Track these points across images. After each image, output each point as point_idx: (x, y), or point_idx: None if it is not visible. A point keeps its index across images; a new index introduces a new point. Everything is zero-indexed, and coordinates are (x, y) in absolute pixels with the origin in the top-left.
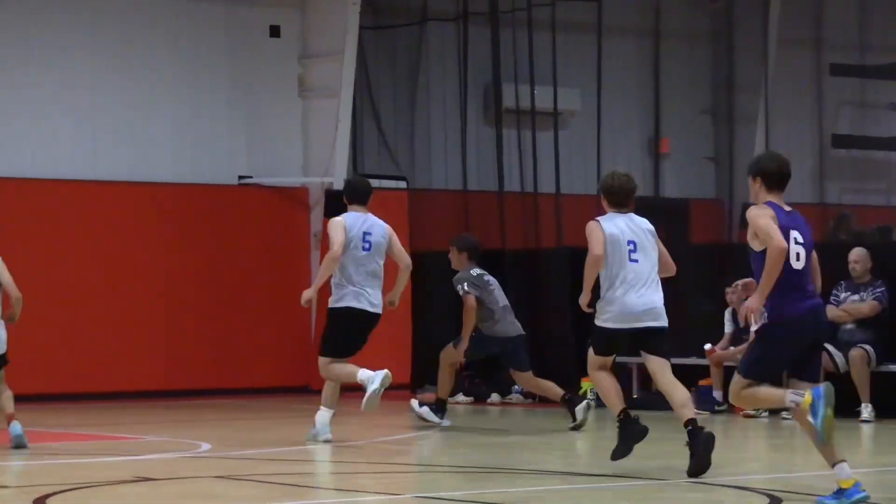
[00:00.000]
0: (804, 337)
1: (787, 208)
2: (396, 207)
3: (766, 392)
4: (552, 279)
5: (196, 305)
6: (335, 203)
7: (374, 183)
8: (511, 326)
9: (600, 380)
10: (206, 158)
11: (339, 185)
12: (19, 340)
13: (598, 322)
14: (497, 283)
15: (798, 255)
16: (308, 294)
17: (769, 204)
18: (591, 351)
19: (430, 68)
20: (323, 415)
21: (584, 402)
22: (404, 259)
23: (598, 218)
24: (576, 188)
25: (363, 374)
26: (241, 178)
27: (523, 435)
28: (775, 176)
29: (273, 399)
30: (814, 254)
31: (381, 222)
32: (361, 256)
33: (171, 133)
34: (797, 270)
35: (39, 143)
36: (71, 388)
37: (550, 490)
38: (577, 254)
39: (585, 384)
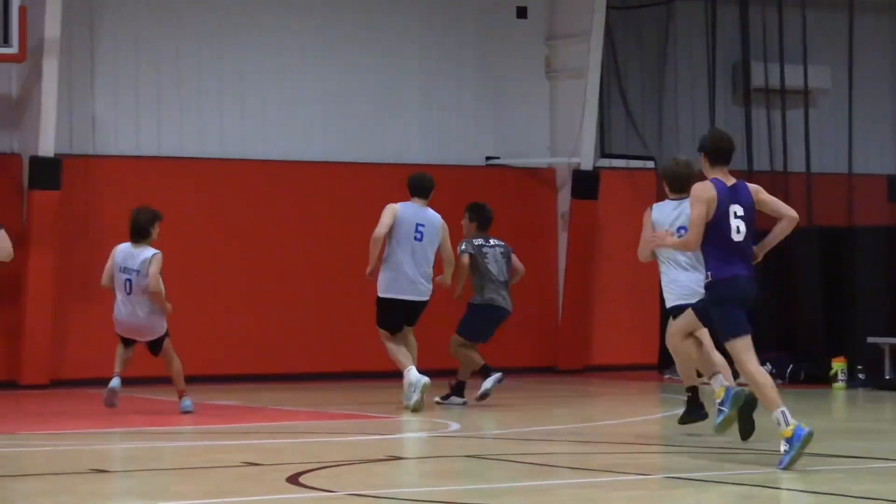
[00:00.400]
0: (750, 294)
1: (731, 181)
2: (645, 187)
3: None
4: (803, 259)
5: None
6: (583, 183)
7: (621, 163)
8: (501, 299)
9: (688, 348)
10: (454, 140)
11: (586, 165)
12: (282, 320)
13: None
14: (497, 256)
15: (738, 227)
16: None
17: (713, 180)
18: (678, 321)
19: (677, 48)
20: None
21: (497, 375)
22: (448, 254)
23: (653, 204)
24: (826, 167)
25: (412, 374)
26: (488, 158)
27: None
28: (717, 152)
29: (519, 379)
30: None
31: (436, 217)
32: (414, 245)
33: (418, 115)
34: (737, 242)
35: (291, 127)
36: (320, 367)
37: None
38: (829, 233)
39: (836, 364)
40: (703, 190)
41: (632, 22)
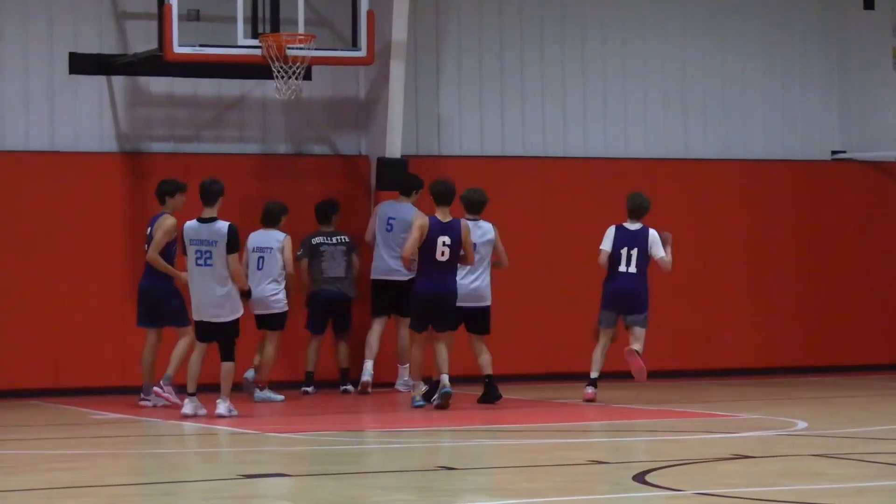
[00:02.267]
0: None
1: (446, 220)
2: None
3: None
4: None
5: (789, 283)
6: None
7: None
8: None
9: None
10: (799, 134)
11: None
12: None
13: None
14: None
15: (444, 252)
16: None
17: (431, 217)
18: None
19: None
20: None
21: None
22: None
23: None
24: None
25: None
26: (833, 152)
27: None
28: (438, 196)
29: (866, 376)
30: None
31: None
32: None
33: (762, 109)
34: (441, 262)
35: (631, 124)
36: (661, 364)
37: None
38: None
39: None
40: (422, 220)
41: None
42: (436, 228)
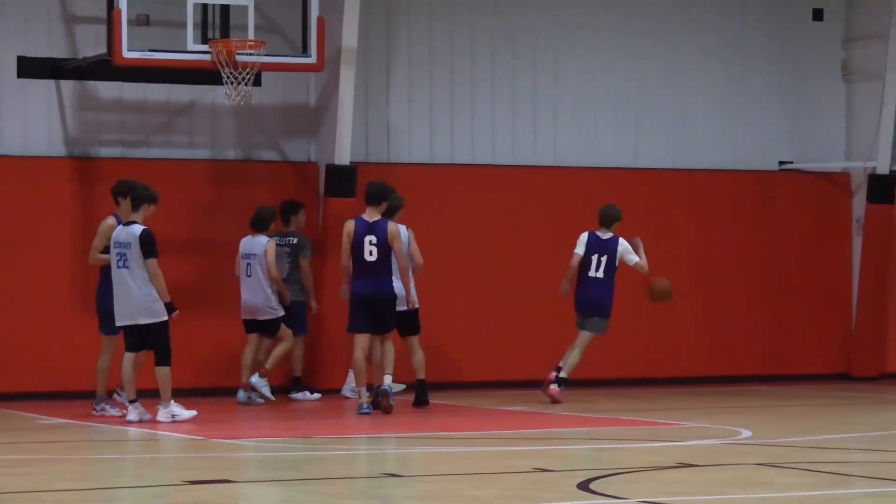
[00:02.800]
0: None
1: (373, 219)
2: None
3: None
4: None
5: (736, 292)
6: (879, 188)
7: None
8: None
9: None
10: (747, 145)
11: (882, 169)
12: (534, 325)
13: None
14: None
15: (371, 251)
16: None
17: (355, 218)
18: None
19: None
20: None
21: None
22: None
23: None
24: None
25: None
26: (781, 163)
27: None
28: (366, 196)
29: (812, 386)
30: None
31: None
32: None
33: (710, 120)
34: (369, 261)
35: (580, 134)
36: (607, 373)
37: None
38: None
39: None
40: (347, 225)
41: None
42: (360, 229)
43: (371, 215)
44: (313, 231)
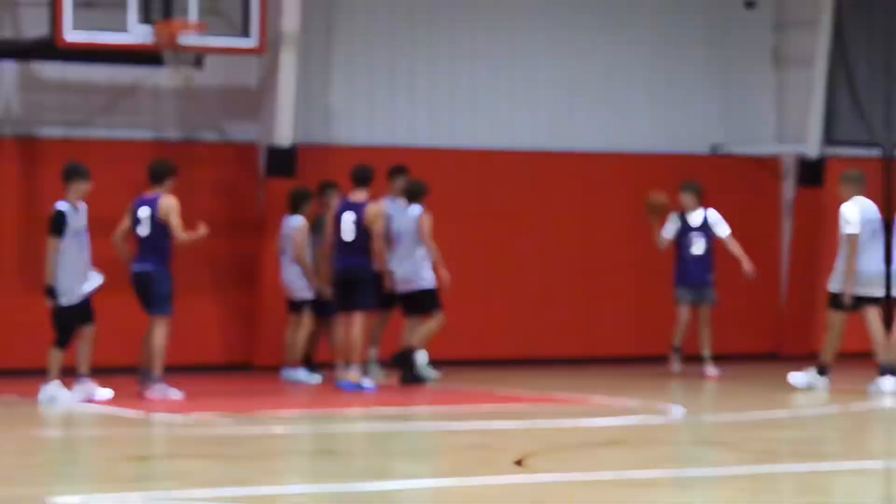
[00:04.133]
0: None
1: (356, 200)
2: (871, 174)
3: None
4: None
5: (667, 274)
6: (808, 171)
7: (847, 151)
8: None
9: None
10: (680, 128)
11: (812, 153)
12: (491, 307)
13: None
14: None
15: (350, 230)
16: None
17: (341, 198)
18: None
19: None
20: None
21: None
22: None
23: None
24: None
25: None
26: (713, 146)
27: None
28: (351, 177)
29: (743, 365)
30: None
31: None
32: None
33: (644, 104)
34: (346, 241)
35: (517, 116)
36: (544, 352)
37: None
38: None
39: None
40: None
41: (861, 7)
42: (341, 207)
43: (355, 197)
44: (253, 212)
